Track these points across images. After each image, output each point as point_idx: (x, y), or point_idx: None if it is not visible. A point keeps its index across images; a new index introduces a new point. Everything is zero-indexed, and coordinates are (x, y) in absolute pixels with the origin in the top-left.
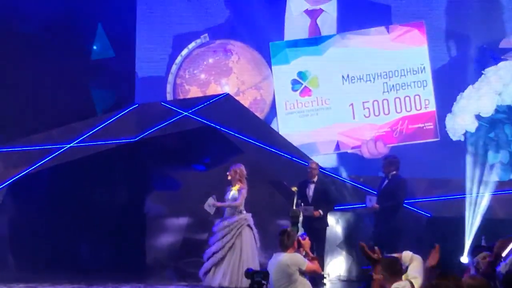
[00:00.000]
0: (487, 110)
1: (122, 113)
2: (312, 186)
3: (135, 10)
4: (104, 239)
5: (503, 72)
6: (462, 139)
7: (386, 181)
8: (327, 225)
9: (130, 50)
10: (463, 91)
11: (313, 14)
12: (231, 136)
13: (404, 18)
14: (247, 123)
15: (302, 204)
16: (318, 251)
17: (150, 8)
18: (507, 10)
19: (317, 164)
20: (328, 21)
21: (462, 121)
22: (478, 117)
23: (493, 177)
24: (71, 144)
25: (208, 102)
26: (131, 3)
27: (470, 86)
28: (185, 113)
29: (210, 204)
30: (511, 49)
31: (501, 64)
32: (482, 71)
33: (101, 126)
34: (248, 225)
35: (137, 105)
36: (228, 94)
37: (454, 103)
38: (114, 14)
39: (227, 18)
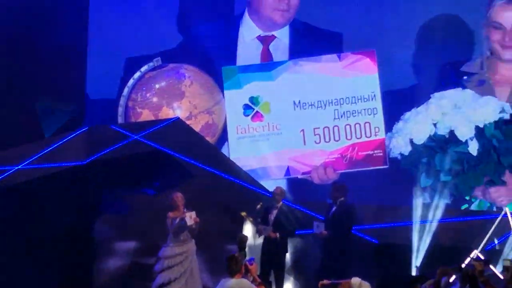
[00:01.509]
0: (420, 138)
1: (72, 135)
2: (275, 212)
3: (86, 31)
4: (52, 263)
5: (445, 101)
6: (399, 157)
7: (334, 207)
8: (286, 251)
9: (80, 72)
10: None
11: (265, 40)
12: (180, 160)
13: (356, 46)
14: (197, 148)
15: (259, 220)
16: (277, 276)
17: (102, 30)
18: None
19: (282, 190)
20: (281, 47)
21: (396, 142)
22: (411, 142)
23: (428, 201)
24: (19, 167)
25: (158, 126)
26: (83, 24)
27: (414, 109)
28: (135, 137)
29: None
30: (472, 73)
31: (448, 92)
32: (431, 95)
33: (50, 149)
34: (195, 251)
35: (86, 128)
36: (178, 118)
37: (396, 122)
38: (65, 36)
39: (180, 42)
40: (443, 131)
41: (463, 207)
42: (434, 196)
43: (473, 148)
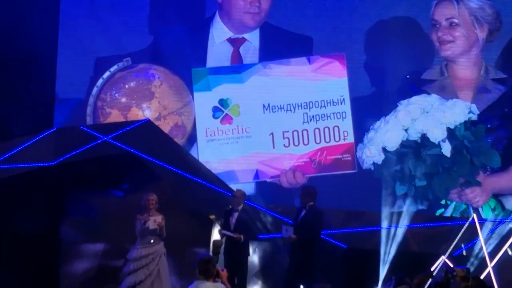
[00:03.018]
0: (392, 144)
1: (40, 136)
2: (236, 215)
3: (57, 31)
4: (18, 266)
5: (412, 107)
6: (372, 168)
7: (304, 212)
8: (248, 254)
9: (50, 72)
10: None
11: (235, 42)
12: (150, 162)
13: (326, 49)
14: (166, 150)
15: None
16: (240, 279)
17: (73, 30)
18: (429, 42)
19: (242, 193)
20: (251, 50)
21: (369, 152)
22: (384, 150)
23: (403, 208)
24: None
25: (128, 128)
26: (53, 24)
27: (382, 118)
28: (105, 138)
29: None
30: (433, 80)
31: (414, 98)
32: (397, 103)
33: (18, 149)
34: (164, 253)
35: (55, 128)
36: (148, 120)
37: (366, 133)
38: (34, 36)
39: (150, 43)
40: (414, 136)
41: (438, 212)
42: (409, 203)
43: (446, 149)
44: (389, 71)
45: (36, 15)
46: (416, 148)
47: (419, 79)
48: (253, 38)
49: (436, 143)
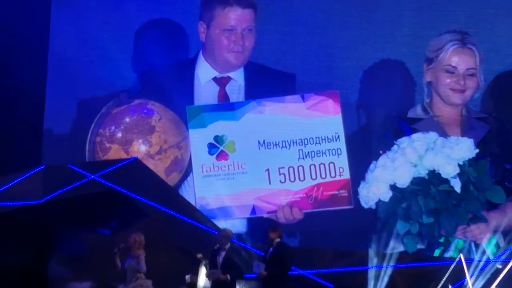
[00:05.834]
0: (404, 181)
1: (28, 174)
2: (223, 254)
3: (46, 69)
4: None
5: (417, 144)
6: (374, 207)
7: (271, 249)
8: None
9: (39, 109)
10: (376, 160)
11: (221, 81)
12: (137, 201)
13: (314, 87)
14: (154, 188)
15: (208, 263)
16: None
17: (62, 68)
18: (417, 80)
19: (228, 232)
20: (236, 88)
21: (377, 190)
22: (393, 187)
23: (400, 247)
24: None
25: (116, 166)
26: (42, 60)
27: (384, 156)
28: (92, 177)
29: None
30: (419, 119)
31: (415, 136)
32: (395, 142)
33: (5, 187)
34: None
35: (43, 166)
36: (136, 158)
37: (368, 171)
38: (24, 72)
39: (136, 82)
40: (422, 172)
41: (437, 251)
42: (407, 242)
43: (457, 185)
44: (378, 109)
45: (24, 53)
46: (425, 185)
47: (406, 117)
48: (238, 77)
49: (448, 179)
